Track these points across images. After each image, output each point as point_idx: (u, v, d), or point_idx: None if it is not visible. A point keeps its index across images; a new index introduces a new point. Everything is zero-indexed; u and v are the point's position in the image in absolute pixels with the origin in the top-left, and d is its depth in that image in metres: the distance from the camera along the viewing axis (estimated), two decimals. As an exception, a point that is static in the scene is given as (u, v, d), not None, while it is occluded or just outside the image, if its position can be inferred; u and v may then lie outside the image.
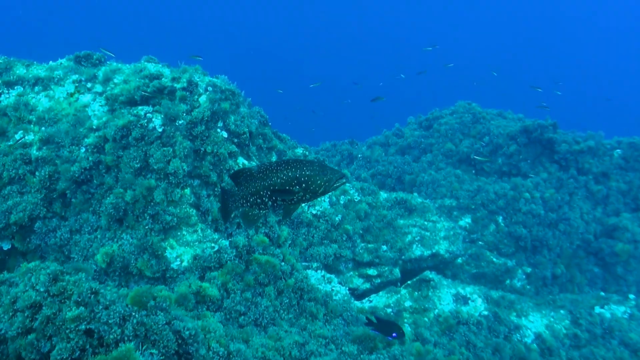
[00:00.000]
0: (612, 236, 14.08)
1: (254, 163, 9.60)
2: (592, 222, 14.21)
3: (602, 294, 13.06)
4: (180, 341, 4.60)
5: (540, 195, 14.01)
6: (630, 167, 15.15)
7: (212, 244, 8.72)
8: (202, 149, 9.11)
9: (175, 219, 8.43)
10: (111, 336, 3.89)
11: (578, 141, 14.80)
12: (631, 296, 12.51)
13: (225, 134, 9.30)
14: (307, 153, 11.38)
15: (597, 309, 11.62)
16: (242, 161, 9.43)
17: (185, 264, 8.32)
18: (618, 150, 15.37)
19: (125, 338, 3.93)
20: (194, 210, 8.88)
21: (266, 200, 4.35)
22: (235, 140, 9.44)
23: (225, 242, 8.71)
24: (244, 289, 7.92)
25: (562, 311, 11.39)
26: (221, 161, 9.14)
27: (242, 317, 7.57)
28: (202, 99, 9.29)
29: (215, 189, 9.09)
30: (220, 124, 9.35)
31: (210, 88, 9.49)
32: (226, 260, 8.12)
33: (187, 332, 4.85)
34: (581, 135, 15.42)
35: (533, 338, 10.42)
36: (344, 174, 4.45)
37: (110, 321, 3.98)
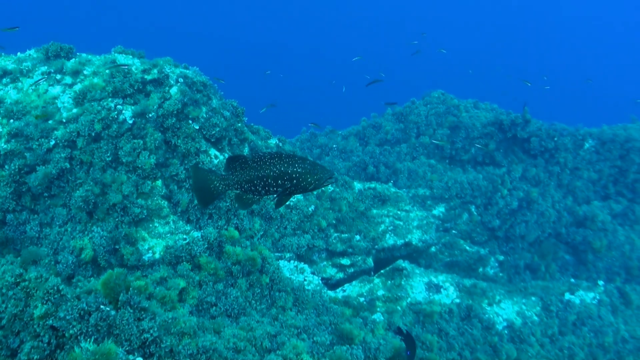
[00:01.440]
0: (584, 225, 14.32)
1: (226, 155, 9.59)
2: (563, 211, 14.43)
3: (573, 280, 13.32)
4: (146, 336, 4.62)
5: (513, 185, 14.20)
6: (601, 157, 15.41)
7: (184, 236, 8.73)
8: (173, 141, 9.09)
9: (145, 211, 8.42)
10: (71, 331, 3.90)
11: (550, 134, 14.97)
12: (600, 282, 12.78)
13: (196, 126, 9.28)
14: (281, 144, 11.39)
15: (567, 296, 11.84)
16: (214, 152, 9.43)
17: (157, 255, 8.33)
18: (590, 140, 15.61)
19: (84, 333, 3.94)
20: (166, 202, 8.88)
21: (260, 189, 4.52)
22: (206, 132, 9.41)
23: (197, 234, 8.73)
24: (216, 280, 7.96)
25: (533, 298, 11.59)
26: (192, 153, 9.14)
27: (214, 308, 7.61)
28: (173, 90, 9.25)
29: (186, 182, 9.08)
30: (191, 115, 9.32)
31: (181, 80, 9.45)
32: (197, 252, 8.14)
33: (156, 327, 4.87)
34: (556, 128, 15.62)
35: (504, 325, 10.59)
36: (334, 174, 4.70)
37: (68, 317, 4.00)
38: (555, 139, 14.89)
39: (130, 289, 5.33)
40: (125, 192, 8.24)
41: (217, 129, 9.43)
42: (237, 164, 4.53)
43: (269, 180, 4.46)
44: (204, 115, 9.50)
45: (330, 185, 11.57)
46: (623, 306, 11.98)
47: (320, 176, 4.53)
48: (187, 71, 9.88)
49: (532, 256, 13.90)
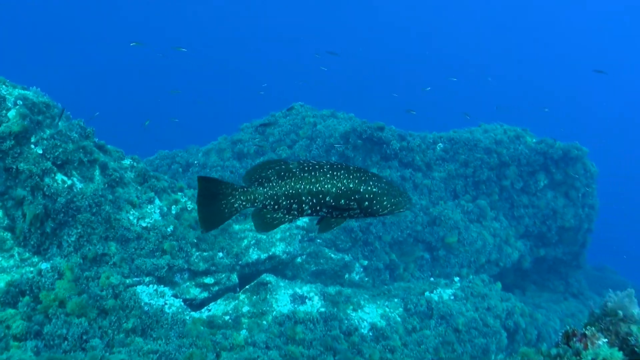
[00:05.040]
0: (436, 224, 15.15)
1: (75, 179, 9.13)
2: (419, 211, 15.19)
3: (432, 279, 14.07)
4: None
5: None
6: (449, 158, 16.40)
7: (31, 268, 8.21)
8: (14, 167, 8.52)
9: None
10: None
11: (403, 137, 15.72)
12: (456, 279, 13.60)
13: (39, 150, 8.77)
14: (135, 163, 11.02)
15: (427, 294, 12.45)
16: (60, 177, 8.94)
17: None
18: (440, 144, 16.57)
19: None
20: (9, 234, 8.33)
21: (306, 207, 3.62)
22: (50, 155, 8.91)
23: (46, 265, 8.25)
24: (68, 313, 7.56)
25: (395, 300, 12.08)
26: (36, 179, 8.61)
27: (66, 342, 7.22)
28: (11, 113, 8.68)
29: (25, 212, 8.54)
30: (33, 139, 8.79)
31: (20, 101, 8.89)
32: (46, 284, 7.70)
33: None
34: (410, 132, 16.41)
35: (369, 328, 10.93)
36: (412, 198, 3.92)
37: None
38: (409, 142, 15.63)
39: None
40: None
41: (61, 149, 8.95)
42: (271, 172, 3.61)
43: (327, 199, 3.57)
44: (48, 138, 8.99)
45: (188, 203, 11.35)
46: (472, 297, 12.82)
47: (399, 200, 3.74)
48: (27, 92, 9.33)
49: (391, 257, 14.48)
